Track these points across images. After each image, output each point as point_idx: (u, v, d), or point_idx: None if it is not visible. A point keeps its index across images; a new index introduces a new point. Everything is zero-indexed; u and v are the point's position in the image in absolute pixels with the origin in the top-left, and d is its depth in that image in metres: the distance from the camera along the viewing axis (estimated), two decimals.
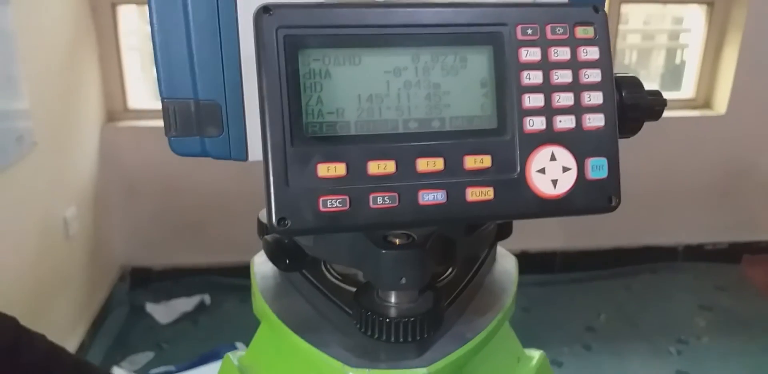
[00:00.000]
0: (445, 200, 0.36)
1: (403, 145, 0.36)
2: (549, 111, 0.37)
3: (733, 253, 2.72)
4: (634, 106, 0.41)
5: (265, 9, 0.35)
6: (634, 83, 0.42)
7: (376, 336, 0.40)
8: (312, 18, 0.35)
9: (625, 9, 2.63)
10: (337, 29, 0.35)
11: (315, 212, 0.34)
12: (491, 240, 0.49)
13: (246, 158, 0.40)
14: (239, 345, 2.01)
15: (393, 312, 0.40)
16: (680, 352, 2.25)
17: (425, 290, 0.42)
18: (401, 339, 0.40)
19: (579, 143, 0.37)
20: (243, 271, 2.33)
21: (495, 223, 0.48)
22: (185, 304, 2.34)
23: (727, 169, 2.58)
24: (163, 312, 2.30)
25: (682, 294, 2.58)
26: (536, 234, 2.52)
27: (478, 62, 0.37)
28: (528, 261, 2.58)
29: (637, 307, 2.49)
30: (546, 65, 0.37)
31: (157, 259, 2.47)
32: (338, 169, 0.35)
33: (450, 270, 0.49)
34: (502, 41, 0.37)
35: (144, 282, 2.45)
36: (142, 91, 2.50)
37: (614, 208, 0.38)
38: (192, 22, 0.37)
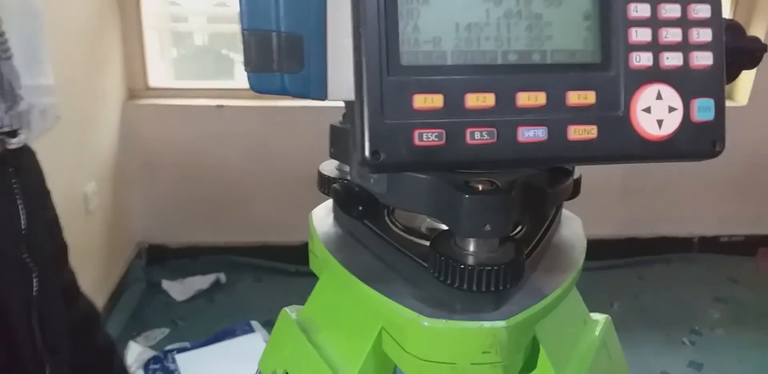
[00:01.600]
0: (545, 137, 0.34)
1: (502, 77, 0.34)
2: (656, 46, 0.35)
3: (748, 246, 2.69)
4: (735, 50, 0.39)
5: None
6: (736, 26, 0.39)
7: (456, 284, 0.38)
8: None
9: None
10: None
11: (410, 146, 0.32)
12: (567, 196, 0.47)
13: (325, 97, 0.38)
14: (254, 323, 2.00)
15: (472, 261, 0.38)
16: (694, 343, 2.23)
17: (506, 241, 0.40)
18: (483, 289, 0.38)
19: (686, 82, 0.35)
20: (259, 251, 2.34)
21: (572, 179, 0.46)
22: (201, 282, 2.33)
23: (746, 160, 2.55)
24: (179, 289, 2.29)
25: (696, 285, 2.56)
26: None
27: None
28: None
29: (650, 297, 2.47)
30: None
31: (174, 237, 2.45)
32: (435, 101, 0.32)
33: (520, 227, 0.47)
34: None
35: (161, 259, 2.44)
36: (163, 70, 2.48)
37: (718, 153, 0.36)
38: None
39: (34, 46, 1.62)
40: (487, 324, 0.39)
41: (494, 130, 0.33)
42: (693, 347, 2.22)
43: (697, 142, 0.35)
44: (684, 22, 0.35)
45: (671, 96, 0.35)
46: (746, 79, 2.48)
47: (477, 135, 0.33)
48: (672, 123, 0.35)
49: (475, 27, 0.34)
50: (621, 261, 2.65)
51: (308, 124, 2.13)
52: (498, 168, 0.36)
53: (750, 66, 0.40)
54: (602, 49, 0.35)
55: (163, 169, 2.37)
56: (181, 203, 2.42)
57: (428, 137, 0.32)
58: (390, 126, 0.32)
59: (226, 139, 2.35)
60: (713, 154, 0.36)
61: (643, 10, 0.35)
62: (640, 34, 0.34)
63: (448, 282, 0.38)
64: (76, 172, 1.96)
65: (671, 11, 0.35)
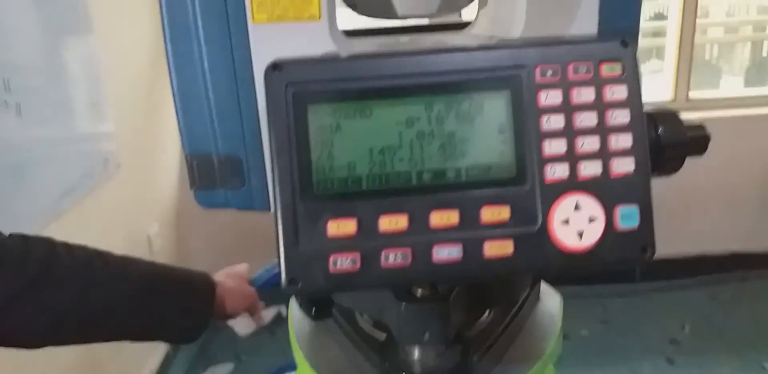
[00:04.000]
0: (461, 256, 0.34)
1: (416, 198, 0.34)
2: (572, 157, 0.35)
3: None
4: (673, 144, 0.38)
5: (274, 66, 0.34)
6: (673, 119, 0.39)
7: None
8: (321, 73, 0.34)
9: (706, 1, 2.51)
10: (347, 83, 0.34)
11: (325, 272, 0.33)
12: (531, 280, 0.47)
13: (269, 208, 0.40)
14: None
15: (418, 368, 0.39)
16: None
17: (453, 343, 0.40)
18: None
19: (606, 190, 0.35)
20: None
21: None
22: (263, 316, 2.38)
23: None
24: (243, 324, 2.34)
25: None
26: None
27: (495, 108, 0.35)
28: (606, 271, 2.51)
29: (724, 318, 2.36)
30: (568, 108, 0.35)
31: None
32: (349, 227, 0.34)
33: (487, 313, 0.47)
34: (520, 84, 0.35)
35: None
36: None
37: (649, 260, 0.35)
38: (209, 79, 0.38)
39: (94, 94, 1.72)
40: None
41: (409, 251, 0.34)
42: None
43: (624, 249, 0.35)
44: (602, 130, 0.35)
45: (591, 206, 0.35)
46: None
47: (392, 257, 0.34)
48: (593, 233, 0.35)
49: (389, 150, 0.35)
50: (691, 281, 2.54)
51: None
52: (416, 286, 0.36)
53: (697, 153, 0.39)
54: (517, 162, 0.35)
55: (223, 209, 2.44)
56: (241, 241, 2.48)
57: (343, 263, 0.33)
58: (305, 253, 0.33)
59: None
60: (642, 260, 0.35)
61: (556, 122, 0.35)
62: (555, 146, 0.35)
63: None
64: (140, 216, 2.05)
65: (587, 120, 0.35)
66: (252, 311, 0.73)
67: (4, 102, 1.28)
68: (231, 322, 2.53)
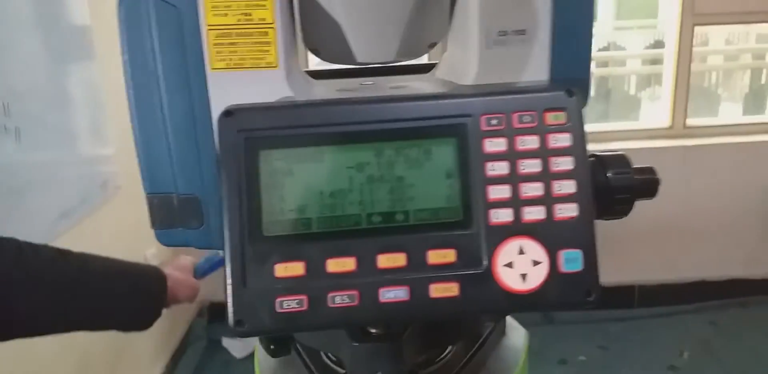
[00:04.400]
0: (407, 297, 0.35)
1: (364, 240, 0.35)
2: (516, 202, 0.36)
3: None
4: (621, 188, 0.39)
5: (227, 113, 0.35)
6: (622, 162, 0.40)
7: None
8: (273, 119, 0.36)
9: (705, 29, 2.53)
10: (298, 129, 0.36)
11: (272, 313, 0.34)
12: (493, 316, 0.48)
13: None
14: None
15: None
16: None
17: None
18: None
19: (550, 235, 0.36)
20: None
21: None
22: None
23: None
24: (239, 346, 2.35)
25: None
26: (612, 267, 2.42)
27: (442, 154, 0.36)
28: (604, 296, 2.49)
29: (724, 344, 2.34)
30: (512, 155, 0.36)
31: None
32: (296, 269, 0.35)
33: (449, 349, 0.48)
34: (466, 132, 0.36)
35: (221, 316, 2.50)
36: None
37: (593, 302, 0.36)
38: (170, 123, 0.39)
39: (95, 118, 1.75)
40: None
41: (356, 292, 0.35)
42: None
43: (568, 292, 0.36)
44: (545, 176, 0.36)
45: (535, 249, 0.36)
46: None
47: (338, 299, 0.35)
48: (537, 276, 0.36)
49: (339, 193, 0.36)
50: (690, 307, 2.53)
51: None
52: (363, 326, 0.37)
53: (647, 196, 0.40)
54: (463, 207, 0.36)
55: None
56: None
57: (290, 304, 0.34)
58: (252, 294, 0.34)
59: None
60: (587, 303, 0.36)
61: (500, 168, 0.36)
62: (499, 192, 0.36)
63: None
64: (138, 237, 2.06)
65: (531, 167, 0.36)
66: (193, 299, 0.81)
67: (2, 126, 1.30)
68: (226, 344, 2.53)
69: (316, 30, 0.42)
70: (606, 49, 3.61)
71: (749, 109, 2.76)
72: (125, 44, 0.38)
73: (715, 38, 2.97)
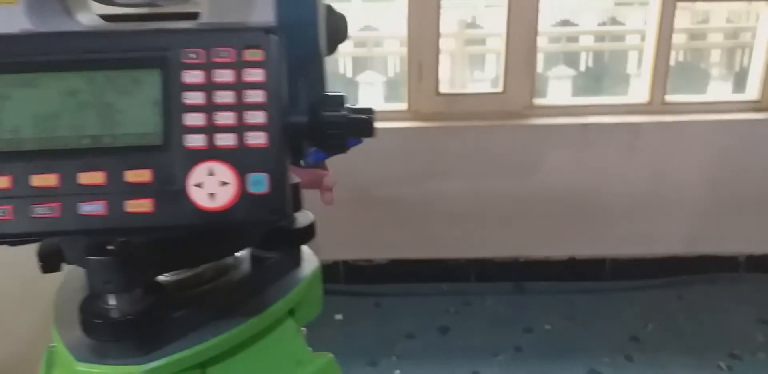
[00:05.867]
0: (104, 211, 0.39)
1: (69, 160, 0.39)
2: (210, 129, 0.39)
3: None
4: (331, 124, 0.43)
5: None
6: (336, 102, 0.43)
7: (93, 336, 0.44)
8: None
9: (707, 6, 2.50)
10: (15, 57, 0.39)
11: None
12: (247, 242, 0.51)
13: None
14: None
15: (114, 314, 0.44)
16: (731, 368, 2.12)
17: (150, 292, 0.45)
18: (113, 339, 0.44)
19: (240, 159, 0.40)
20: None
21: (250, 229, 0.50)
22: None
23: None
24: None
25: (741, 306, 2.42)
26: (584, 241, 2.45)
27: (147, 83, 0.40)
28: (575, 269, 2.53)
29: (688, 319, 2.37)
30: (209, 86, 0.39)
31: None
32: (3, 182, 0.39)
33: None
34: (168, 64, 0.40)
35: None
36: None
37: (277, 221, 0.40)
38: None
39: None
40: (126, 369, 0.45)
41: (57, 205, 0.39)
42: (730, 372, 2.12)
43: (255, 211, 0.40)
44: (239, 107, 0.39)
45: (224, 172, 0.39)
46: None
47: (40, 210, 0.39)
48: (225, 196, 0.39)
49: (52, 117, 0.40)
50: (659, 281, 2.55)
51: None
52: (65, 235, 0.41)
53: (361, 135, 0.44)
54: (164, 132, 0.40)
55: None
56: None
57: None
58: None
59: None
60: (271, 221, 0.40)
61: (196, 98, 0.39)
62: (194, 119, 0.39)
63: (86, 333, 0.44)
64: None
65: (225, 98, 0.39)
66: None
67: None
68: None
69: None
70: (604, 24, 3.57)
71: (739, 88, 2.73)
72: None
73: (716, 16, 2.93)
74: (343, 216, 2.34)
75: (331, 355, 0.56)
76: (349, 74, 3.39)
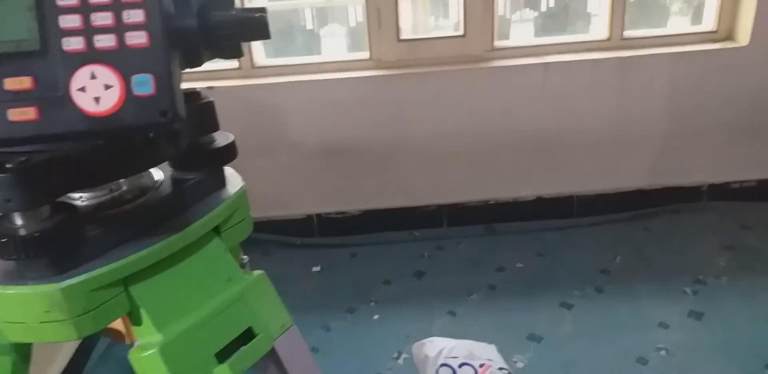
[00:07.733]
0: None
1: None
2: (89, 30, 0.38)
3: (761, 191, 2.56)
4: (221, 24, 0.42)
5: None
6: (225, 2, 0.42)
7: (2, 254, 0.44)
8: None
9: None
10: None
11: None
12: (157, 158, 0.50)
13: None
14: None
15: (21, 232, 0.44)
16: (696, 292, 2.17)
17: (59, 211, 0.45)
18: (23, 257, 0.43)
19: (123, 61, 0.39)
20: (264, 225, 2.38)
21: (163, 143, 0.49)
22: None
23: (752, 102, 2.41)
24: None
25: (705, 234, 2.47)
26: (551, 178, 2.47)
27: None
28: (544, 207, 2.55)
29: (655, 249, 2.41)
30: None
31: None
32: None
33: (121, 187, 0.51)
34: None
35: None
36: None
37: (170, 122, 0.39)
38: None
39: None
40: (41, 288, 0.44)
41: None
42: (695, 296, 2.17)
43: (143, 114, 0.39)
44: (116, 6, 0.38)
45: (106, 75, 0.38)
46: (746, 18, 2.35)
47: None
48: (110, 99, 0.39)
49: None
50: (627, 215, 2.59)
51: (299, 101, 2.19)
52: None
53: (254, 37, 0.43)
54: (41, 37, 0.39)
55: None
56: None
57: None
58: None
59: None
60: (163, 123, 0.39)
61: None
62: (70, 21, 0.38)
63: (1, 255, 0.44)
64: None
65: None
66: None
67: None
68: None
69: None
70: None
71: (697, 20, 2.72)
72: None
73: None
74: (312, 170, 2.34)
75: (262, 272, 0.56)
76: (314, 28, 3.34)
